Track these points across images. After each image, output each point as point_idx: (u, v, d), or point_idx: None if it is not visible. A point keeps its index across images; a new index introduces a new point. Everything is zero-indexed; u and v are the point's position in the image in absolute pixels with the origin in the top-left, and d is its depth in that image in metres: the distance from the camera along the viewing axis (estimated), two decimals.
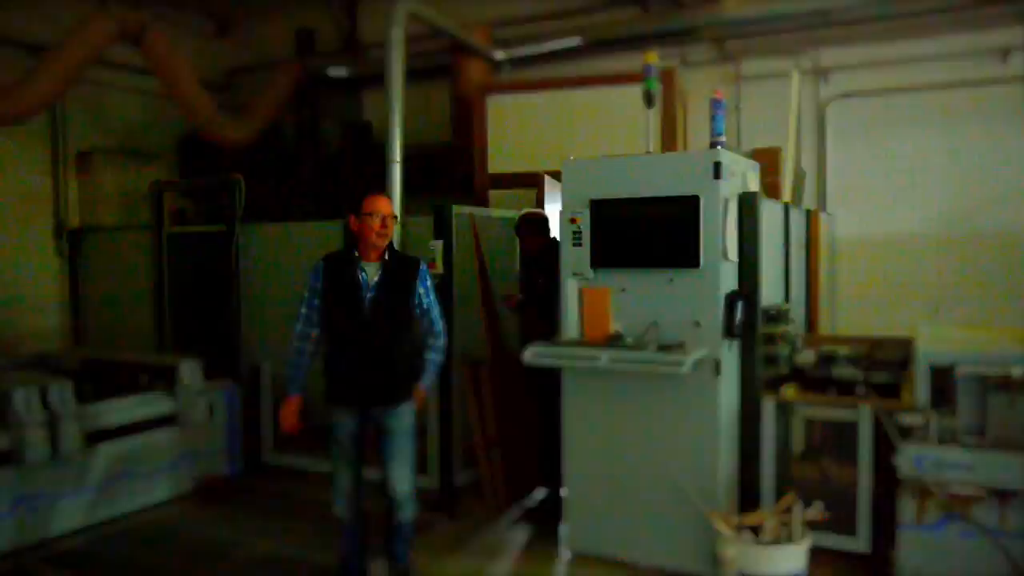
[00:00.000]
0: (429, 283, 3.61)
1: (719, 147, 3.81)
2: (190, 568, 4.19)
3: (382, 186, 5.17)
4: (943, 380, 3.66)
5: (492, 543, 4.39)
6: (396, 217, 3.56)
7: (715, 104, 3.86)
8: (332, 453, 3.61)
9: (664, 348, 3.64)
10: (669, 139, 5.84)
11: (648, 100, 3.93)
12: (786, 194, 5.12)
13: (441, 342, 3.65)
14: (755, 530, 3.44)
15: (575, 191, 4.03)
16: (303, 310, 3.55)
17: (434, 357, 3.64)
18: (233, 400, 5.50)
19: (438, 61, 7.14)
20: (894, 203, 6.18)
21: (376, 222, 3.44)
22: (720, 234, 3.69)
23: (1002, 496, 3.41)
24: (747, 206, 3.83)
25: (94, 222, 7.17)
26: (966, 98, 5.88)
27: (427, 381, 3.64)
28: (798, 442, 4.02)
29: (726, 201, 3.72)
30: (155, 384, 5.19)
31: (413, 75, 5.48)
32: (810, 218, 5.42)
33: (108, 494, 4.71)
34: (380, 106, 7.60)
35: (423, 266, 3.62)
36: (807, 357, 4.34)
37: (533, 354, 3.77)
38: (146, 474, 4.93)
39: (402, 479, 3.54)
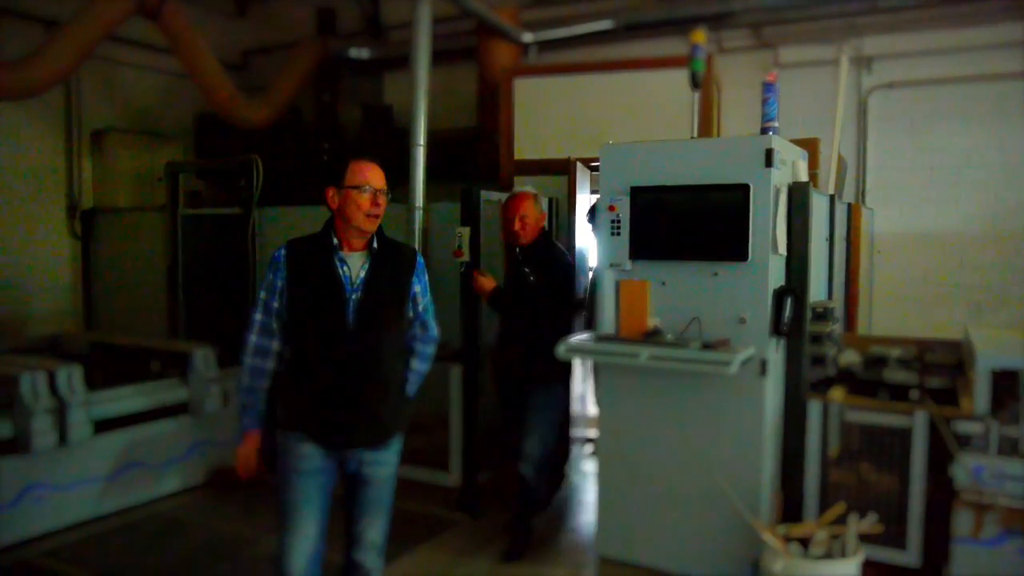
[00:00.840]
0: (427, 279, 2.88)
1: (771, 133, 3.57)
2: (199, 564, 4.00)
3: (404, 171, 4.95)
4: (1000, 386, 3.44)
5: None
6: (389, 193, 2.73)
7: (768, 88, 3.63)
8: (282, 498, 2.66)
9: (708, 346, 3.41)
10: (705, 126, 5.60)
11: (695, 82, 3.70)
12: (829, 186, 4.89)
13: (431, 349, 2.92)
14: (803, 542, 3.22)
15: (614, 177, 3.79)
16: (258, 316, 2.68)
17: (420, 367, 2.91)
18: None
19: (464, 43, 6.93)
20: (937, 198, 5.92)
21: (365, 198, 2.63)
22: (770, 226, 3.46)
23: None
24: (799, 197, 3.59)
25: (108, 203, 7.01)
26: (1016, 90, 5.61)
27: (410, 394, 2.91)
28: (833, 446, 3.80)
29: (777, 191, 3.49)
30: (168, 371, 5.02)
31: (438, 58, 5.26)
32: (851, 212, 5.19)
33: (117, 485, 4.54)
34: (402, 89, 7.45)
35: (420, 258, 2.87)
36: (851, 358, 4.13)
37: (567, 349, 3.55)
38: (157, 464, 4.75)
39: (376, 543, 2.76)
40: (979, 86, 5.70)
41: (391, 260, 2.76)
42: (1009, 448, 3.36)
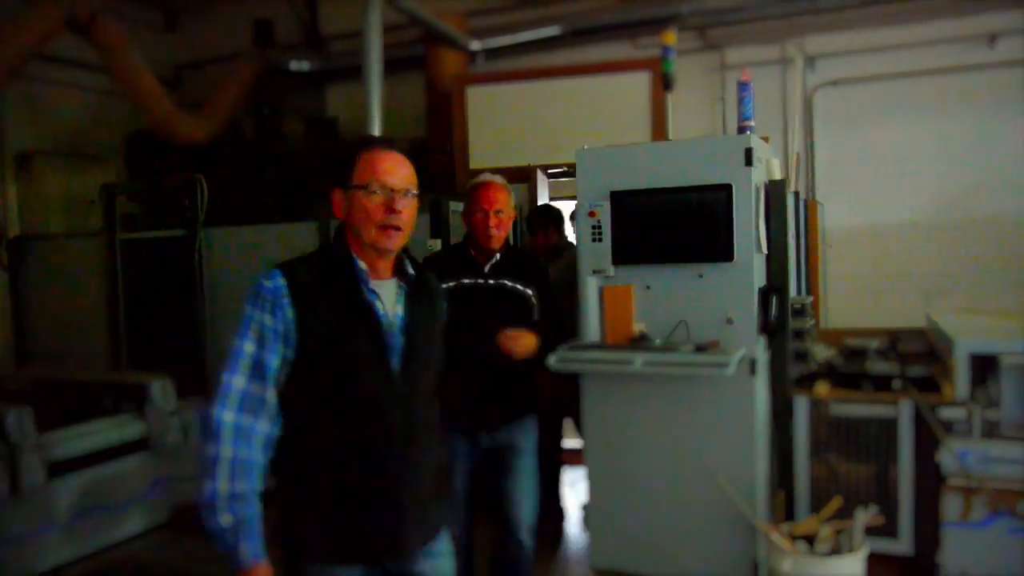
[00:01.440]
0: None
1: (748, 132, 3.58)
2: None
3: None
4: (976, 371, 3.53)
5: None
6: (417, 195, 1.94)
7: (743, 87, 3.64)
8: None
9: (701, 348, 3.39)
10: (659, 130, 5.63)
11: (667, 83, 3.69)
12: (790, 183, 4.96)
13: None
14: (807, 539, 3.22)
15: (591, 182, 3.73)
16: (239, 381, 1.77)
17: None
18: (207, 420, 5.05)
19: (409, 53, 6.80)
20: (884, 191, 6.08)
21: (376, 202, 1.84)
22: (752, 225, 3.46)
23: None
24: (776, 194, 3.61)
25: (37, 229, 6.61)
26: (955, 84, 5.81)
27: None
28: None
29: (757, 189, 3.50)
30: (120, 406, 4.72)
31: (383, 68, 5.13)
32: (808, 207, 5.28)
33: (76, 531, 4.23)
34: (345, 101, 7.27)
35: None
36: (826, 352, 4.18)
37: (559, 359, 3.46)
38: (117, 506, 4.46)
39: None
40: (919, 81, 5.88)
41: (426, 291, 2.01)
42: (990, 431, 3.45)
